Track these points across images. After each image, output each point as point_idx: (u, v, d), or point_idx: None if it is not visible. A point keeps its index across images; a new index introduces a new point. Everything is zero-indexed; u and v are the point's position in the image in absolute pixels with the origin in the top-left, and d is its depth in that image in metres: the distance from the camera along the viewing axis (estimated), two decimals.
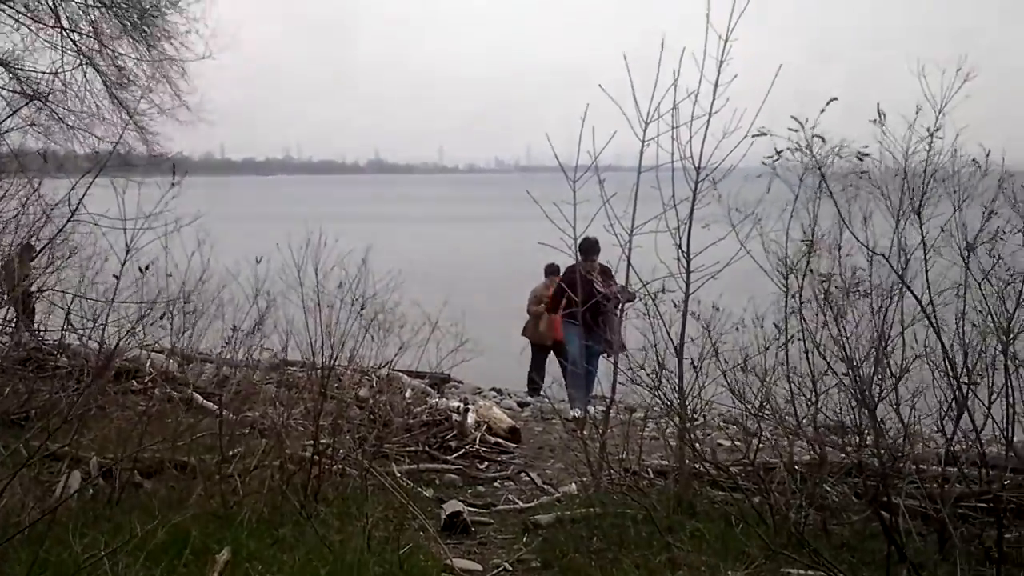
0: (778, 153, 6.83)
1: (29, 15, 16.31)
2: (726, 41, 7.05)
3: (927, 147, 6.52)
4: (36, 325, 11.53)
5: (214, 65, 18.72)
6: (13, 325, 10.49)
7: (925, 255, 6.46)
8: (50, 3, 16.33)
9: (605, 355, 9.88)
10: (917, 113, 6.44)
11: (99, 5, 16.74)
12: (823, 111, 6.72)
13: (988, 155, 6.50)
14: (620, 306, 8.83)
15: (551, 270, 14.22)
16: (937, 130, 6.49)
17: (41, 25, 16.36)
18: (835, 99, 6.77)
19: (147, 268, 7.26)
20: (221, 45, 18.00)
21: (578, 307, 9.28)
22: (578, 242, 8.33)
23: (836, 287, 6.90)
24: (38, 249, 9.12)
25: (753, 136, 6.88)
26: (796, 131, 6.69)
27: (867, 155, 6.79)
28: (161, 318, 8.41)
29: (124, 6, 16.96)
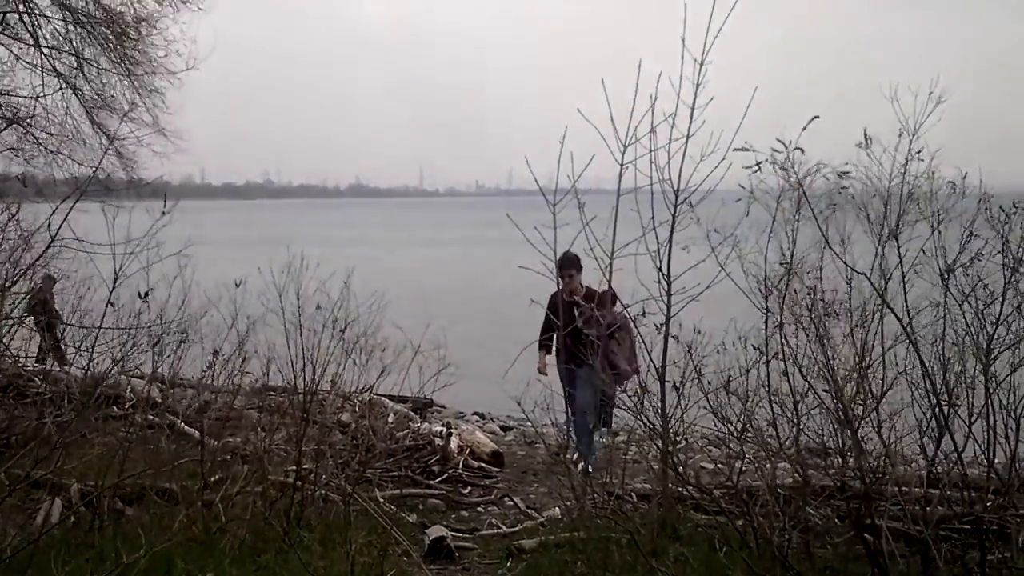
0: (758, 165, 6.85)
1: (7, 34, 16.24)
2: (701, 64, 7.10)
3: (902, 170, 6.59)
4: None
5: (193, 90, 18.67)
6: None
7: (903, 276, 6.50)
8: (29, 23, 16.25)
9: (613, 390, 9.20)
10: (907, 137, 6.51)
11: (76, 23, 16.66)
12: (805, 128, 6.77)
13: (965, 177, 6.56)
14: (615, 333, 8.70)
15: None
16: (919, 152, 6.56)
17: (21, 44, 16.29)
18: (816, 117, 6.81)
19: (146, 295, 7.23)
20: (201, 58, 17.86)
21: (569, 343, 9.15)
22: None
23: (817, 306, 6.93)
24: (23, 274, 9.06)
25: (735, 150, 6.90)
26: (779, 152, 6.74)
27: (847, 174, 6.83)
28: (154, 347, 8.36)
29: (101, 27, 16.89)
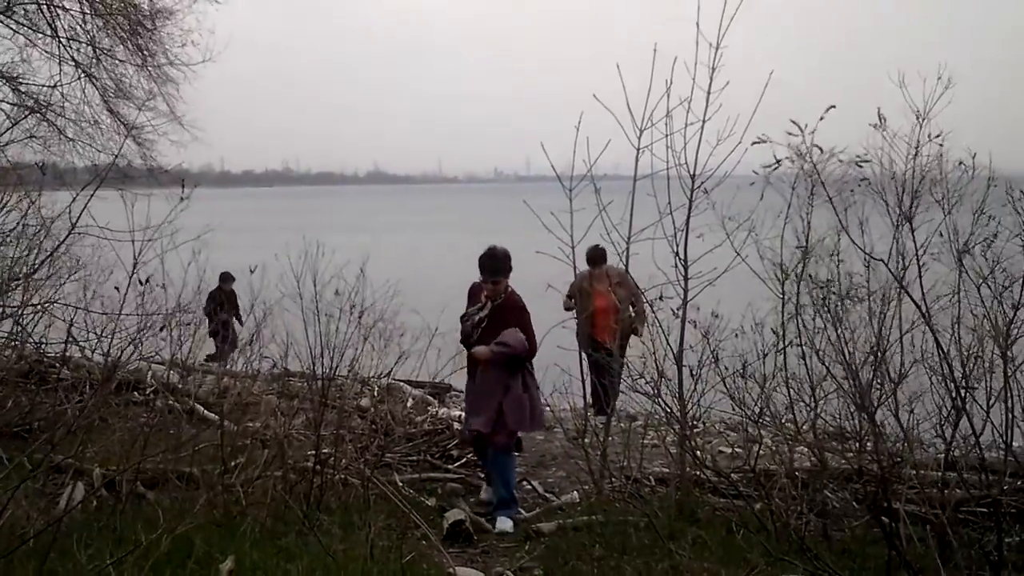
0: (778, 162, 6.86)
1: (27, 26, 16.31)
2: (716, 48, 7.08)
3: (913, 153, 6.58)
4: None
5: (213, 81, 18.75)
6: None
7: (919, 260, 6.49)
8: (47, 14, 16.32)
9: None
10: (919, 119, 6.50)
11: (95, 16, 16.72)
12: (822, 118, 6.75)
13: (975, 158, 6.54)
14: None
15: (596, 256, 11.20)
16: (938, 136, 6.54)
17: (40, 35, 16.36)
18: (833, 107, 6.79)
19: (147, 280, 7.28)
20: (218, 50, 17.92)
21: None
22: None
23: (834, 292, 6.93)
24: (39, 263, 9.13)
25: (752, 143, 6.90)
26: (795, 135, 6.72)
27: (867, 161, 6.82)
28: (160, 330, 8.43)
29: (119, 17, 16.93)
